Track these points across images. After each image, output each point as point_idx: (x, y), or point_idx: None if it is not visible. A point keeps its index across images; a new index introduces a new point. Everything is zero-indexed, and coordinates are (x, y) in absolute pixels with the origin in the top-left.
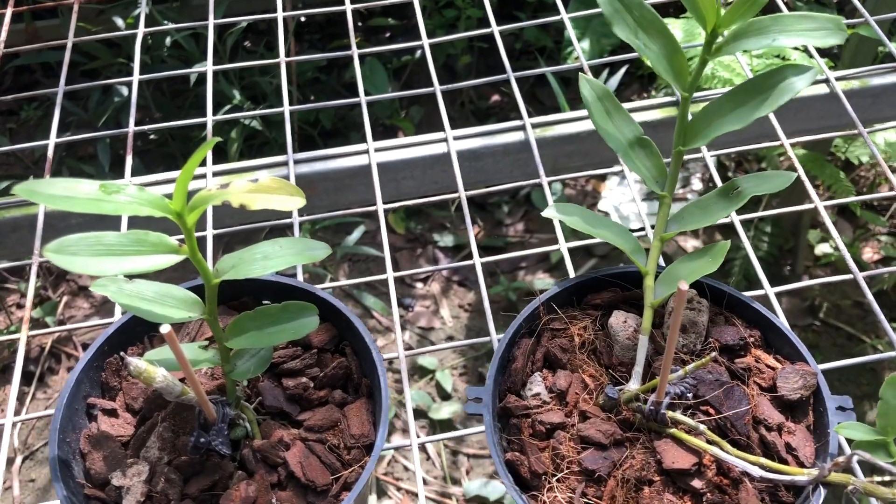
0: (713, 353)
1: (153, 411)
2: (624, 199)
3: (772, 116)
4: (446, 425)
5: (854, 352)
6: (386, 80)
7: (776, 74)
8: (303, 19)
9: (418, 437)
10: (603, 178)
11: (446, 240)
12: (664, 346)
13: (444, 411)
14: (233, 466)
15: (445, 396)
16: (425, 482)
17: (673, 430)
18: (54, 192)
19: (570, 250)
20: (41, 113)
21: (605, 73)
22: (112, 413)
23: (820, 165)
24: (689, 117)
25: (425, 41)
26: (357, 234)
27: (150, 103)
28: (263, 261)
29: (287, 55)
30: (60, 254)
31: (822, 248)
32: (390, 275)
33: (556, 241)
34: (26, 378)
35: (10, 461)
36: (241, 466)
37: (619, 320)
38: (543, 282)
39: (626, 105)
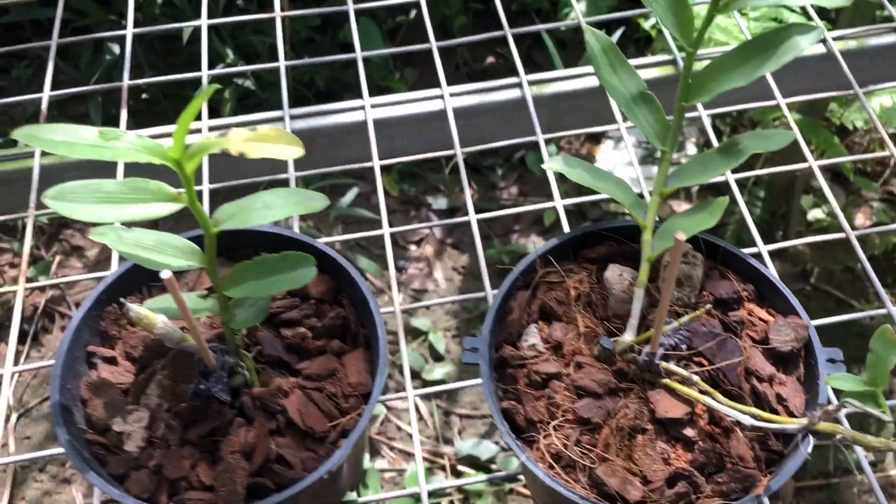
0: (707, 306)
1: (152, 360)
2: (619, 162)
3: (769, 76)
4: (439, 386)
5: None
6: (380, 40)
7: (781, 33)
8: None
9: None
10: (598, 141)
11: (440, 202)
12: (659, 300)
13: (436, 372)
14: (232, 413)
15: (438, 358)
16: (420, 443)
17: (666, 381)
18: (54, 138)
19: (565, 210)
20: (32, 71)
21: (620, 30)
22: (111, 361)
23: (815, 130)
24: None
25: None
26: (351, 195)
27: (142, 62)
28: (263, 210)
29: (281, 10)
30: (60, 200)
31: (814, 214)
32: (386, 230)
33: (550, 205)
34: (20, 337)
35: (6, 418)
36: (241, 414)
37: (615, 273)
38: (538, 244)
39: None
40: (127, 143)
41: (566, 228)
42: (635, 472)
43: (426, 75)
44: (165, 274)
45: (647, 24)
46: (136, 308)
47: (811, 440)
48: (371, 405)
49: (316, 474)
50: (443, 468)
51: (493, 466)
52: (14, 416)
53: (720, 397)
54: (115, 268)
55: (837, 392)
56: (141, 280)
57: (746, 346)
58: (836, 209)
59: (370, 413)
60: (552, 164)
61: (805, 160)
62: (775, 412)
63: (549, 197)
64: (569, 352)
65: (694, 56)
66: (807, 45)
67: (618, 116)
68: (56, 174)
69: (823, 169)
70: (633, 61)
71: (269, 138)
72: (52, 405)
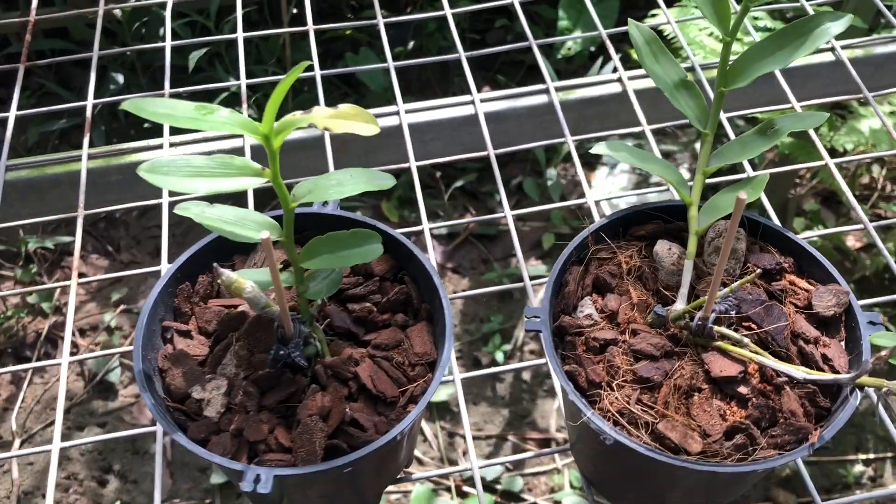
0: (759, 270)
1: (227, 332)
2: (614, 188)
3: (782, 81)
4: (443, 407)
5: None
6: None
7: (814, 20)
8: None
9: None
10: (593, 168)
11: (440, 229)
12: (705, 272)
13: (441, 394)
14: (306, 381)
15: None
16: (421, 462)
17: (719, 343)
18: (157, 110)
19: (558, 236)
20: (33, 101)
21: (599, 61)
22: (186, 334)
23: (806, 152)
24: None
25: (448, 11)
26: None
27: (144, 90)
28: (338, 187)
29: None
30: (153, 173)
31: (806, 235)
32: (426, 226)
33: (547, 229)
34: (23, 362)
35: (8, 444)
36: (314, 381)
37: (664, 248)
38: (536, 269)
39: (636, 72)
40: (221, 116)
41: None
42: (693, 427)
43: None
44: (264, 234)
45: (696, 5)
46: (227, 272)
47: (858, 395)
48: (441, 369)
49: (389, 435)
50: (448, 489)
51: (499, 487)
52: (17, 442)
53: (770, 358)
54: (165, 264)
55: (880, 348)
56: (210, 259)
57: (791, 311)
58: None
59: (440, 377)
60: (599, 149)
61: (795, 184)
62: (822, 371)
63: (547, 220)
64: (623, 320)
65: (730, 45)
66: (837, 31)
67: (642, 119)
68: (100, 178)
69: (815, 191)
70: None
71: (349, 116)
72: (137, 373)
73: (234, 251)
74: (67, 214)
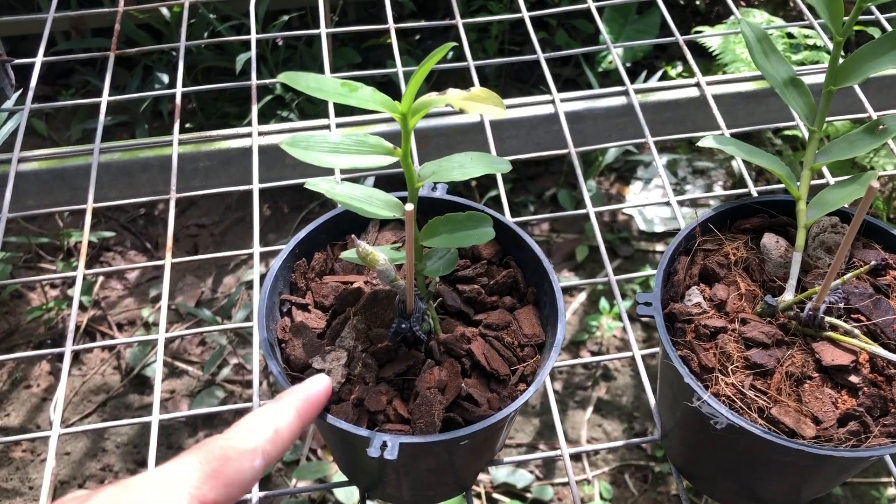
0: (872, 262)
1: (344, 307)
2: (648, 200)
3: (859, 91)
4: None
5: None
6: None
7: None
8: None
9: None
10: (627, 182)
11: None
12: (811, 265)
13: None
14: (422, 356)
15: None
16: None
17: (829, 334)
18: (309, 83)
19: (592, 248)
20: (78, 96)
21: (643, 74)
22: (304, 308)
23: (846, 172)
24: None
25: (525, 13)
26: None
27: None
28: (460, 168)
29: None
30: (295, 147)
31: None
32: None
33: (580, 241)
34: (60, 357)
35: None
36: (428, 357)
37: (772, 240)
38: (568, 280)
39: (713, 77)
40: (364, 93)
41: (607, 264)
42: (805, 414)
43: None
44: (409, 207)
45: (673, 72)
46: (364, 245)
47: None
48: (556, 350)
49: (505, 411)
50: (478, 496)
51: (529, 495)
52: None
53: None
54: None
55: None
56: (326, 238)
57: None
58: None
59: (555, 356)
60: (707, 142)
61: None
62: None
63: (581, 232)
64: (732, 309)
65: (842, 44)
66: None
67: (721, 122)
68: (187, 163)
69: None
70: (737, 74)
71: (481, 98)
72: (261, 342)
73: (346, 230)
74: (158, 197)
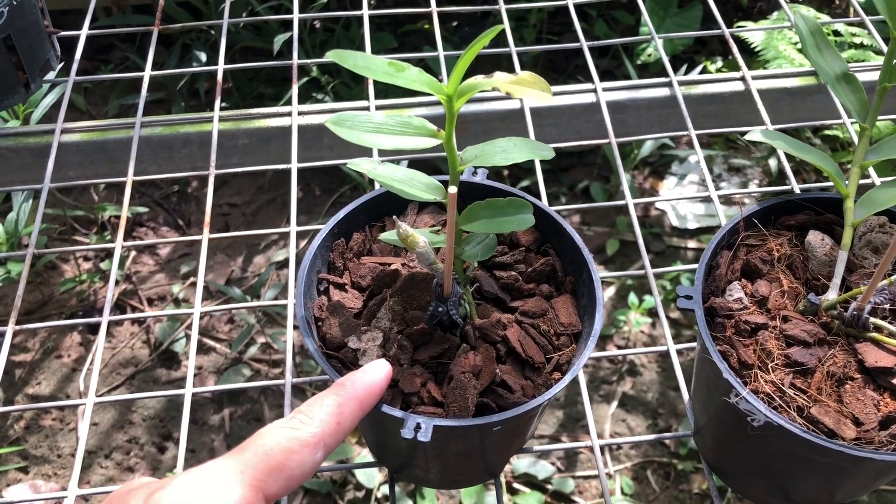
0: None
1: (381, 288)
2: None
3: None
4: None
5: None
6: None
7: None
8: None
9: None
10: (661, 176)
11: None
12: (857, 264)
13: None
14: (457, 340)
15: None
16: None
17: (873, 335)
18: (357, 62)
19: (623, 242)
20: (118, 72)
21: (683, 67)
22: (342, 287)
23: (890, 173)
24: None
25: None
26: None
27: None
28: (503, 153)
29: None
30: (339, 126)
31: None
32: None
33: (611, 235)
34: (92, 328)
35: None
36: (463, 341)
37: (817, 238)
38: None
39: (759, 72)
40: (411, 74)
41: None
42: (846, 415)
43: None
44: (453, 189)
45: (713, 67)
46: (405, 226)
47: None
48: (593, 339)
49: (540, 399)
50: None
51: (550, 487)
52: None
53: None
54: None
55: None
56: (364, 219)
57: None
58: None
59: (592, 346)
60: (754, 136)
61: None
62: None
63: (612, 226)
64: (774, 306)
65: None
66: None
67: (765, 118)
68: (227, 140)
69: None
70: (780, 70)
71: (527, 83)
72: (299, 319)
73: (385, 212)
74: (197, 172)
